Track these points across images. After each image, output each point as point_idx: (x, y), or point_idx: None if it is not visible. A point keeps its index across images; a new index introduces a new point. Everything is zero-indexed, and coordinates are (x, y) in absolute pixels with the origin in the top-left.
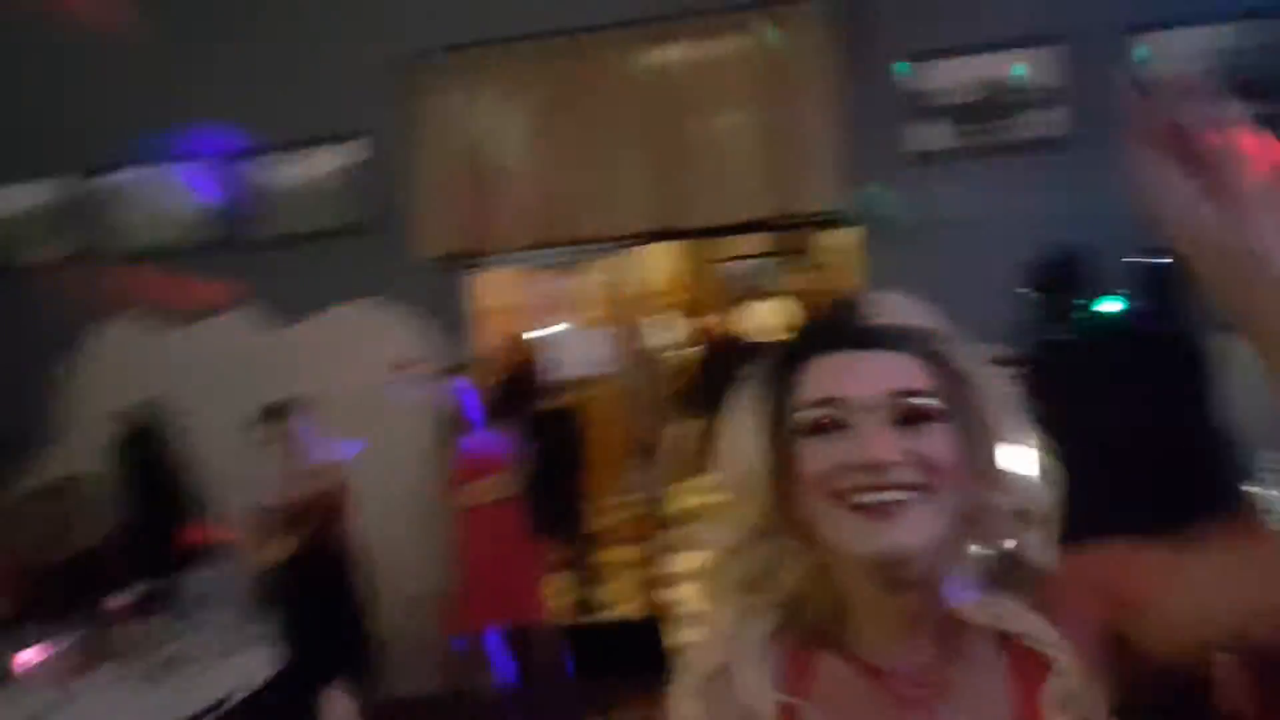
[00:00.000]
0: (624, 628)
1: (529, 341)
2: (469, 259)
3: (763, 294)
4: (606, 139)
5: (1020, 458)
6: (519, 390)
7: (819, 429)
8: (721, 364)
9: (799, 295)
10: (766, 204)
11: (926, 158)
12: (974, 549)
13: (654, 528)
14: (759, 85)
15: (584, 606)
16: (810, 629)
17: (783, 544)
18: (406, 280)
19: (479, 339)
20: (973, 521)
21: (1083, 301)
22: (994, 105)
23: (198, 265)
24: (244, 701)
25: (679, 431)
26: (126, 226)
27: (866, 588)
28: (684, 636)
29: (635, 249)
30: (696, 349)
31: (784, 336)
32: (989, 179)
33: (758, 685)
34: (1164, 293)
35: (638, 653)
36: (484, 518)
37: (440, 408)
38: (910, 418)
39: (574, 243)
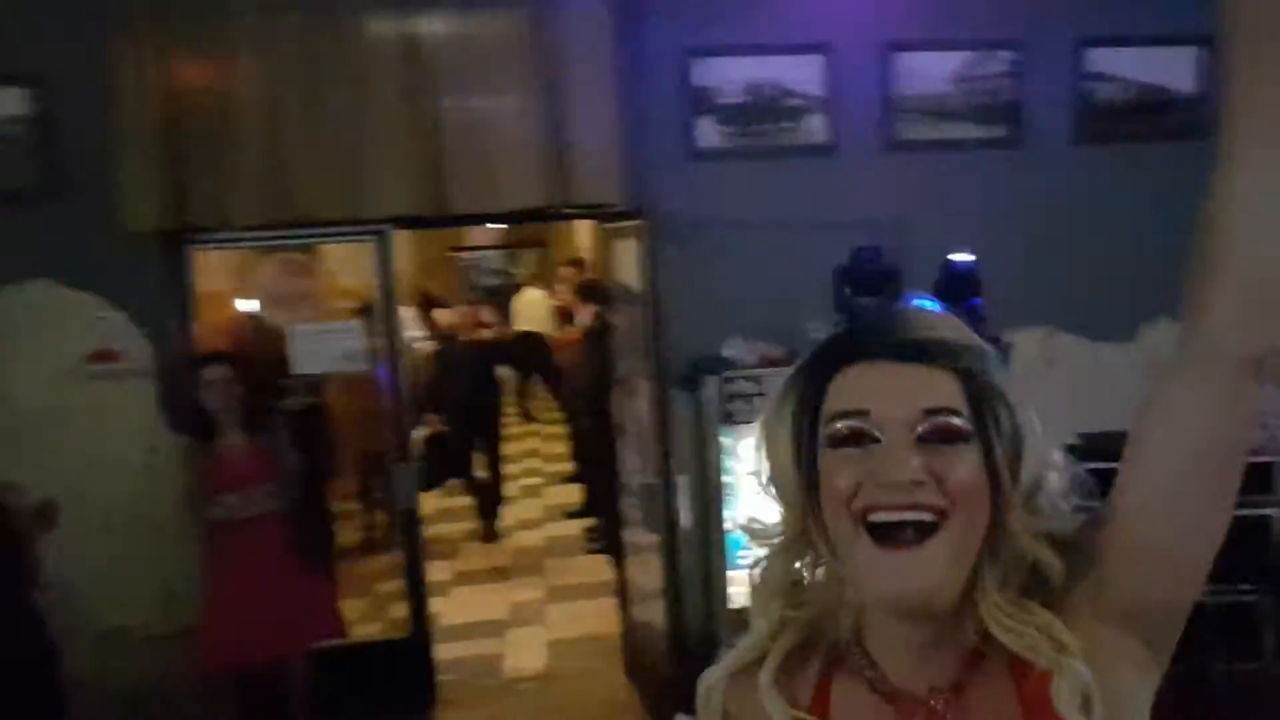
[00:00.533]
0: (376, 647)
1: (268, 331)
2: (188, 235)
3: (505, 287)
4: (356, 113)
5: (1052, 479)
6: (261, 387)
7: (847, 441)
8: (464, 361)
9: (544, 289)
10: (537, 194)
11: (704, 155)
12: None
13: (404, 538)
14: (531, 69)
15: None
16: (830, 648)
17: (816, 554)
18: (107, 256)
19: (202, 328)
20: (998, 543)
21: (890, 304)
22: (765, 108)
23: None
24: None
25: (424, 433)
26: None
27: (885, 615)
28: (441, 652)
29: (382, 234)
30: (438, 345)
31: (534, 331)
32: (763, 180)
33: (775, 701)
34: (960, 296)
35: (393, 673)
36: (242, 536)
37: (173, 409)
38: (940, 437)
39: (315, 224)
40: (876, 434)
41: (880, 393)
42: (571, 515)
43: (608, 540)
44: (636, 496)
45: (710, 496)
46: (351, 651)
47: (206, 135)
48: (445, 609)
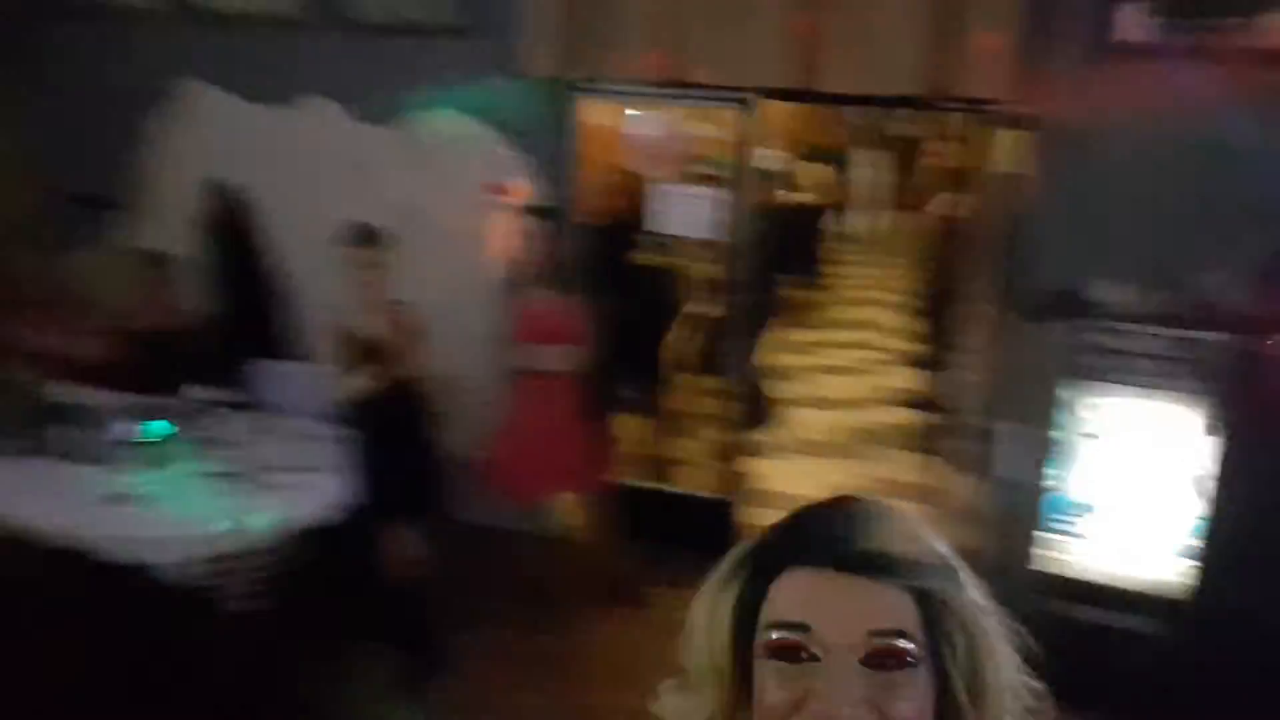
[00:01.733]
0: (691, 501)
1: (634, 187)
2: (578, 83)
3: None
4: None
5: (1013, 711)
6: (615, 239)
7: (785, 653)
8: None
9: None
10: (919, 80)
11: (1122, 50)
12: None
13: (737, 405)
14: None
15: (653, 476)
16: None
17: None
18: (505, 96)
19: (578, 174)
20: None
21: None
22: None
23: (287, 40)
24: (312, 524)
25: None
26: None
27: None
28: (752, 517)
29: (744, 102)
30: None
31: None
32: (1187, 91)
33: None
34: None
35: (702, 529)
36: (540, 387)
37: (520, 251)
38: (885, 662)
39: (693, 86)
40: (817, 653)
41: (824, 608)
42: (913, 405)
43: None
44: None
45: (1035, 450)
46: (672, 499)
47: None
48: (766, 475)
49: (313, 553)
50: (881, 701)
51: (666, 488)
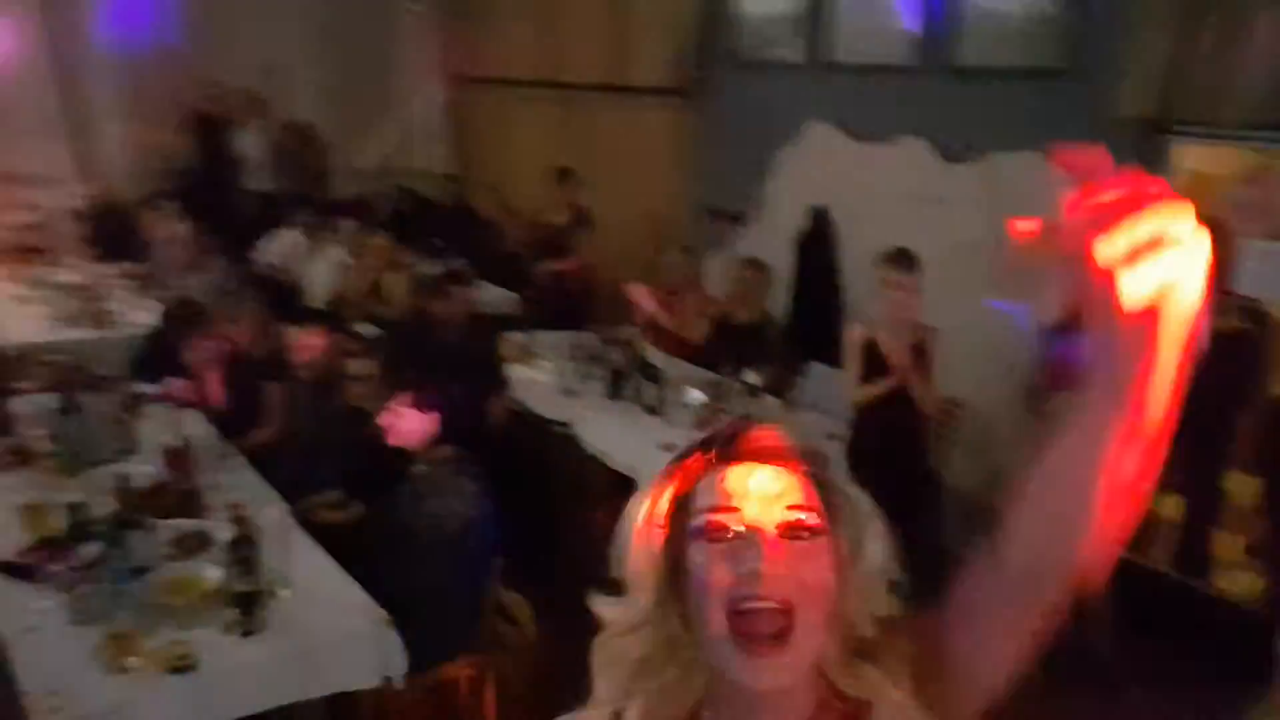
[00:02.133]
0: (1219, 606)
1: (1223, 241)
2: (1176, 127)
3: None
4: None
5: (883, 571)
6: None
7: (713, 534)
8: None
9: None
10: None
11: None
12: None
13: None
14: None
15: (1181, 568)
16: (675, 715)
17: (670, 633)
18: (1093, 139)
19: None
20: (841, 625)
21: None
22: None
23: (894, 85)
24: None
25: None
26: (843, 40)
27: (738, 693)
28: None
29: None
30: None
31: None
32: None
33: None
34: None
35: (1230, 639)
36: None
37: (1070, 298)
38: (799, 533)
39: None
40: (743, 530)
41: (746, 490)
42: None
43: None
44: None
45: None
46: (1187, 595)
47: (1201, 28)
48: None
49: None
50: (798, 565)
51: (1195, 584)
